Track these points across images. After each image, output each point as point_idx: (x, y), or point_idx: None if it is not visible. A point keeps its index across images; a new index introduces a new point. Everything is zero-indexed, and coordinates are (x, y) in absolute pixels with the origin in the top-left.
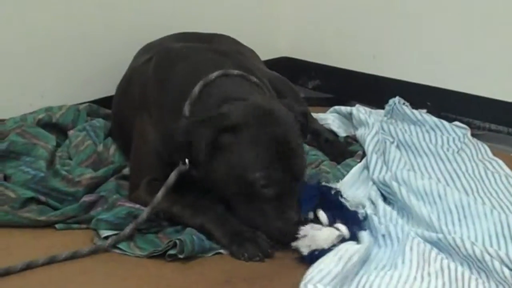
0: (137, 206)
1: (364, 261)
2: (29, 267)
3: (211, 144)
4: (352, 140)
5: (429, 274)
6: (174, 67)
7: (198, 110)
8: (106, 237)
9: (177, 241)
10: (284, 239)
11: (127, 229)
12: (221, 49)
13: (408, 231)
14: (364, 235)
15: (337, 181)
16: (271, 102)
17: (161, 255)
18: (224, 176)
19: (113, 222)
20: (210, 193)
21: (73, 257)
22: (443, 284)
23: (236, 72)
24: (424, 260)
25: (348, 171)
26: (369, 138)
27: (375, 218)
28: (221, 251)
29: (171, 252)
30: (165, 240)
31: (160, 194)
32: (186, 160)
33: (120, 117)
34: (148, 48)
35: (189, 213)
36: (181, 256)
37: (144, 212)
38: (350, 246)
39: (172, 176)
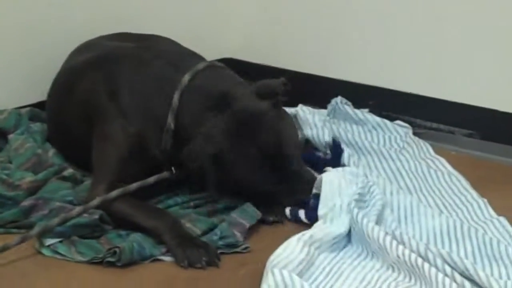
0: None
1: (334, 247)
2: None
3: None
4: None
5: (392, 265)
6: (141, 69)
7: (181, 121)
8: (49, 245)
9: (116, 250)
10: (302, 198)
11: (73, 212)
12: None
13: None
14: (339, 222)
15: None
16: (252, 103)
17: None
18: (229, 184)
19: (57, 231)
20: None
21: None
22: (405, 275)
23: (203, 65)
24: (383, 249)
25: None
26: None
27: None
28: (162, 257)
29: (110, 259)
30: (106, 245)
31: (134, 185)
32: (173, 168)
33: (60, 122)
34: (84, 48)
35: (144, 215)
36: (119, 264)
37: (95, 200)
38: (316, 232)
39: (152, 179)
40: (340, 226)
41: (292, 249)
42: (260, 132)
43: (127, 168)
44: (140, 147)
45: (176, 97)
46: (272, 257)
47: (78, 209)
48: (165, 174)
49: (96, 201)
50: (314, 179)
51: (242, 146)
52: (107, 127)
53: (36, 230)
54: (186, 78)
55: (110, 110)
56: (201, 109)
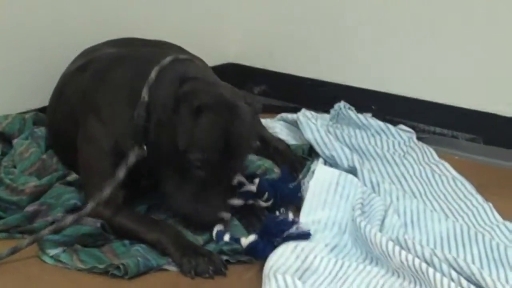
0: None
1: (336, 251)
2: None
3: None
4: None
5: (396, 270)
6: (118, 68)
7: (157, 92)
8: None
9: (121, 266)
10: (201, 224)
11: (68, 219)
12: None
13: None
14: (323, 235)
15: None
16: (235, 93)
17: None
18: (168, 149)
19: (59, 241)
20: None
21: None
22: (410, 280)
23: (185, 56)
24: (386, 255)
25: None
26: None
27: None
28: (168, 267)
29: (115, 273)
30: (109, 254)
31: (120, 173)
32: (145, 146)
33: (55, 128)
34: (82, 55)
35: (145, 228)
36: (126, 277)
37: (86, 209)
38: (306, 245)
39: (132, 158)
40: (325, 239)
41: (286, 257)
42: (231, 114)
43: (114, 169)
44: (117, 144)
45: (153, 73)
46: (270, 263)
47: (71, 218)
48: (138, 152)
49: (89, 207)
50: (227, 208)
51: (213, 114)
52: (86, 129)
53: (27, 241)
54: (167, 59)
55: (87, 110)
56: (176, 80)
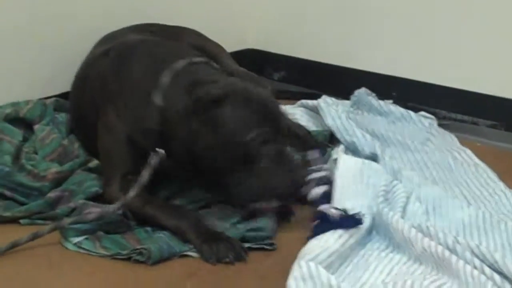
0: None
1: (363, 241)
2: None
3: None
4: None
5: (418, 257)
6: (135, 58)
7: (170, 98)
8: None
9: (143, 251)
10: (295, 188)
11: (91, 215)
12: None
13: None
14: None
15: None
16: (246, 82)
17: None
18: (218, 150)
19: (81, 229)
20: (188, 181)
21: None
22: (432, 267)
23: (199, 59)
24: (408, 242)
25: None
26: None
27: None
28: (190, 253)
29: (138, 258)
30: (131, 240)
31: (145, 175)
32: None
33: (79, 113)
34: (105, 40)
35: (164, 214)
36: (149, 263)
37: (111, 207)
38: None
39: (145, 173)
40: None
41: (327, 239)
42: (255, 92)
43: (130, 159)
44: (132, 136)
45: (167, 78)
46: (304, 248)
47: (94, 215)
48: (151, 160)
49: (116, 205)
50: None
51: (240, 96)
52: (105, 117)
53: (47, 228)
54: (181, 63)
55: (106, 99)
56: (189, 86)
